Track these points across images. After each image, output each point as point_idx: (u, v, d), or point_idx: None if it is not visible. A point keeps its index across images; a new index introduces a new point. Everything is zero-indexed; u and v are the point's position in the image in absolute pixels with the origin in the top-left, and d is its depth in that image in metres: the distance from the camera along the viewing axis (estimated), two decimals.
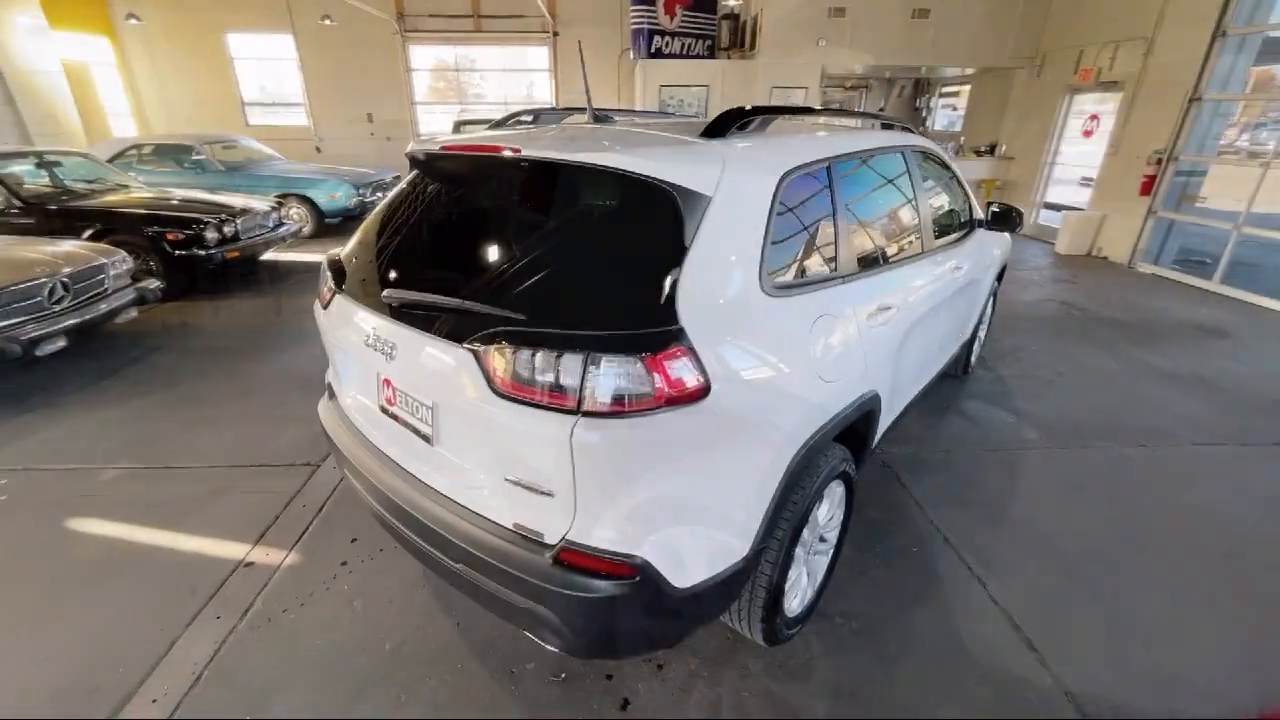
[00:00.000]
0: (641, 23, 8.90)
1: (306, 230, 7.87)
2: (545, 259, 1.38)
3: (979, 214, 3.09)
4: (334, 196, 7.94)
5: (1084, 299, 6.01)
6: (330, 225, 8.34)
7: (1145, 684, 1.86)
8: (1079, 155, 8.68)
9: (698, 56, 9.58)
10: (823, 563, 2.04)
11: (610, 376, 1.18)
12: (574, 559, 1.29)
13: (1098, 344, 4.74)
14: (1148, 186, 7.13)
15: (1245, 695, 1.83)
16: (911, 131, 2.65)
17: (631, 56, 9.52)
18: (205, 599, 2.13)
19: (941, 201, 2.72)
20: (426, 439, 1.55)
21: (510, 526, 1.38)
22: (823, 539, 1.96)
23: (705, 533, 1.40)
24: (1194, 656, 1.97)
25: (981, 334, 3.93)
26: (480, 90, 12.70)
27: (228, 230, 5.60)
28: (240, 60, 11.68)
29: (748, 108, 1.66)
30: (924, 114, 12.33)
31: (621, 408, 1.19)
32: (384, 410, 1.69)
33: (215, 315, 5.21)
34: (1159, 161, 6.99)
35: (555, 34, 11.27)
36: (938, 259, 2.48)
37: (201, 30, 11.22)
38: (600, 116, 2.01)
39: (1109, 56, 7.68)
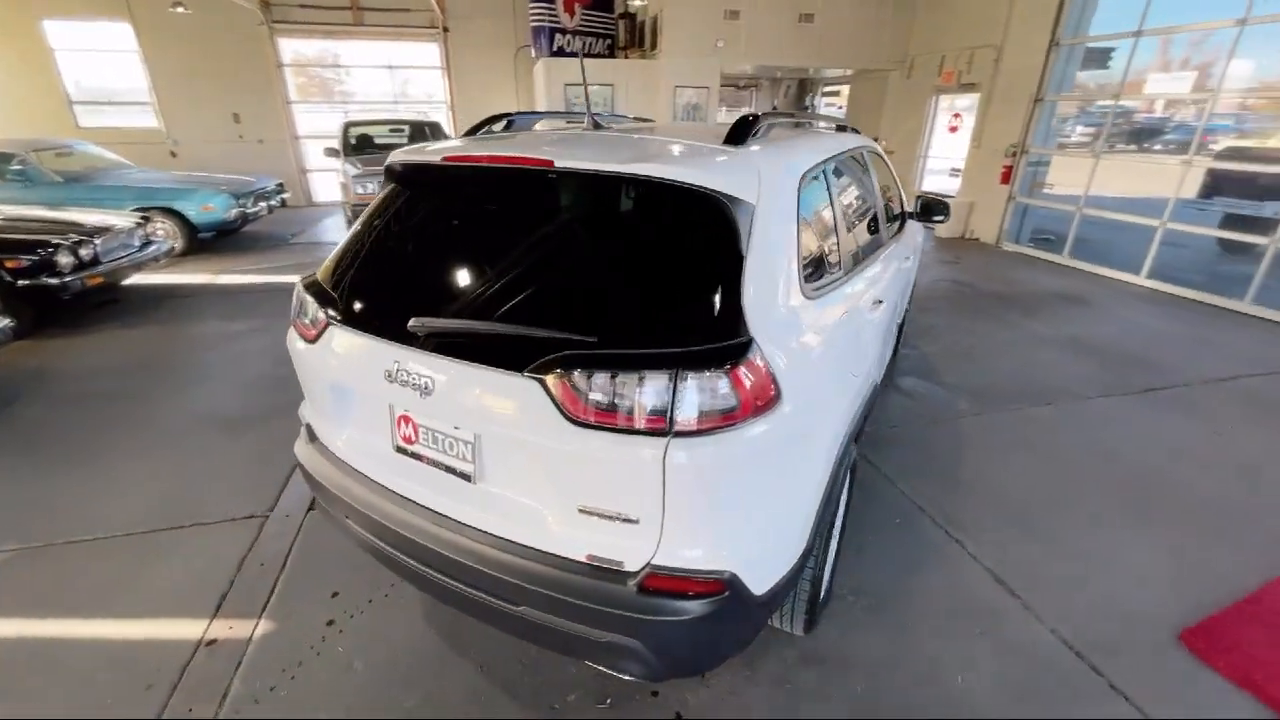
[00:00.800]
0: (542, 21, 8.72)
1: (178, 248, 6.89)
2: (600, 276, 1.32)
3: (908, 206, 3.37)
4: (209, 208, 7.02)
5: (969, 277, 6.76)
6: (204, 241, 7.39)
7: (1107, 611, 2.14)
8: (948, 148, 9.72)
9: (599, 55, 9.56)
10: (834, 546, 2.13)
11: (699, 393, 1.15)
12: (661, 584, 1.25)
13: (992, 317, 5.36)
14: (1006, 176, 8.16)
15: (1175, 611, 2.17)
16: (859, 132, 2.84)
17: (533, 54, 9.30)
18: (168, 691, 1.81)
19: (891, 196, 2.93)
20: (466, 476, 1.42)
21: (583, 559, 1.30)
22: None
23: (776, 536, 1.41)
24: (1134, 578, 2.30)
25: (906, 316, 4.31)
26: (349, 89, 11.73)
27: (84, 253, 4.79)
28: (65, 52, 9.93)
29: (757, 114, 1.68)
30: (811, 110, 13.20)
31: (712, 424, 1.17)
32: (401, 450, 1.53)
33: (82, 354, 4.42)
34: (1014, 154, 8.02)
35: (445, 29, 10.71)
36: (895, 250, 2.68)
37: (9, 14, 9.41)
38: (597, 123, 1.94)
39: (966, 61, 8.67)
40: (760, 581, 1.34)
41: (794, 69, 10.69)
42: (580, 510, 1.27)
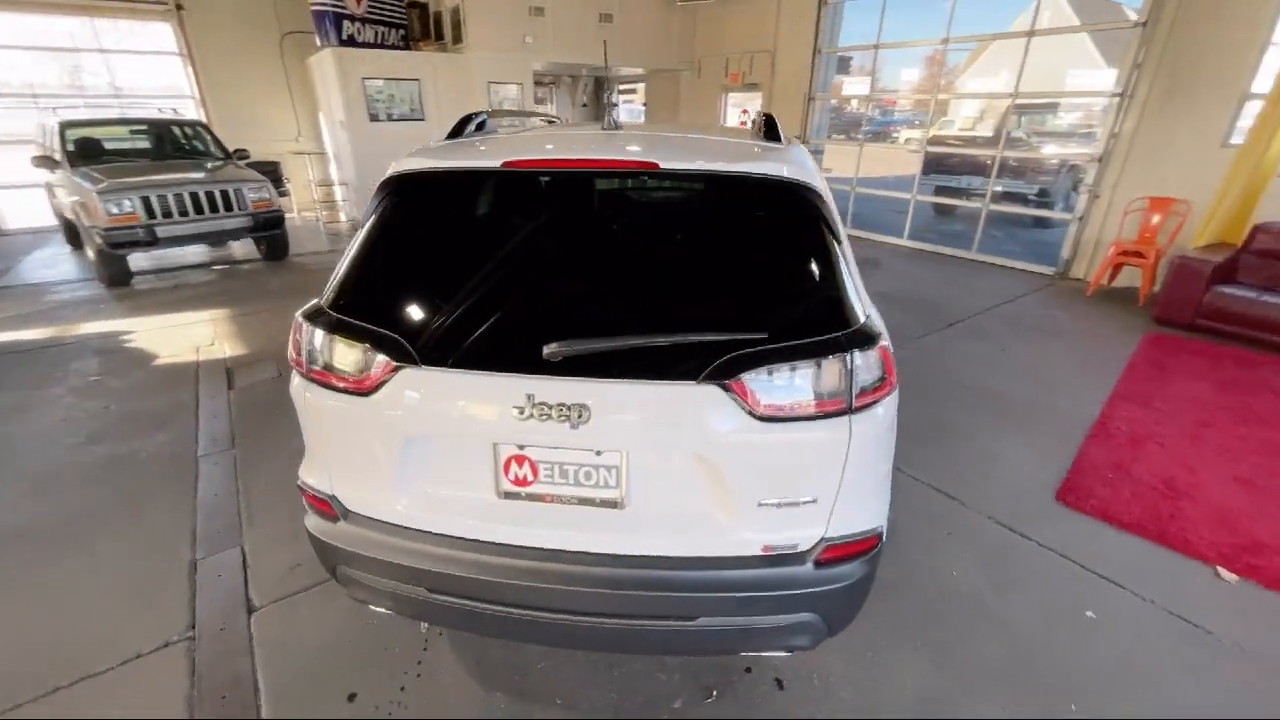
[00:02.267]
0: (325, 6, 7.63)
1: None
2: (734, 274, 1.33)
3: None
4: None
5: None
6: None
7: (1008, 492, 2.81)
8: None
9: (393, 47, 8.72)
10: None
11: (866, 372, 1.27)
12: (833, 554, 1.35)
13: None
14: None
15: (1043, 480, 2.93)
16: None
17: (317, 42, 8.09)
18: None
19: None
20: (611, 504, 1.33)
21: (759, 552, 1.33)
22: None
23: (887, 489, 1.59)
24: (1010, 465, 3.04)
25: None
26: (34, 78, 8.93)
27: None
28: None
29: (768, 115, 1.81)
30: (610, 108, 13.74)
31: (874, 397, 1.29)
32: (511, 495, 1.36)
33: None
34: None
35: (179, 7, 8.69)
36: None
37: None
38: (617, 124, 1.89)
39: (748, 64, 9.88)
40: (884, 529, 1.52)
41: (596, 66, 11.03)
42: (759, 505, 1.30)
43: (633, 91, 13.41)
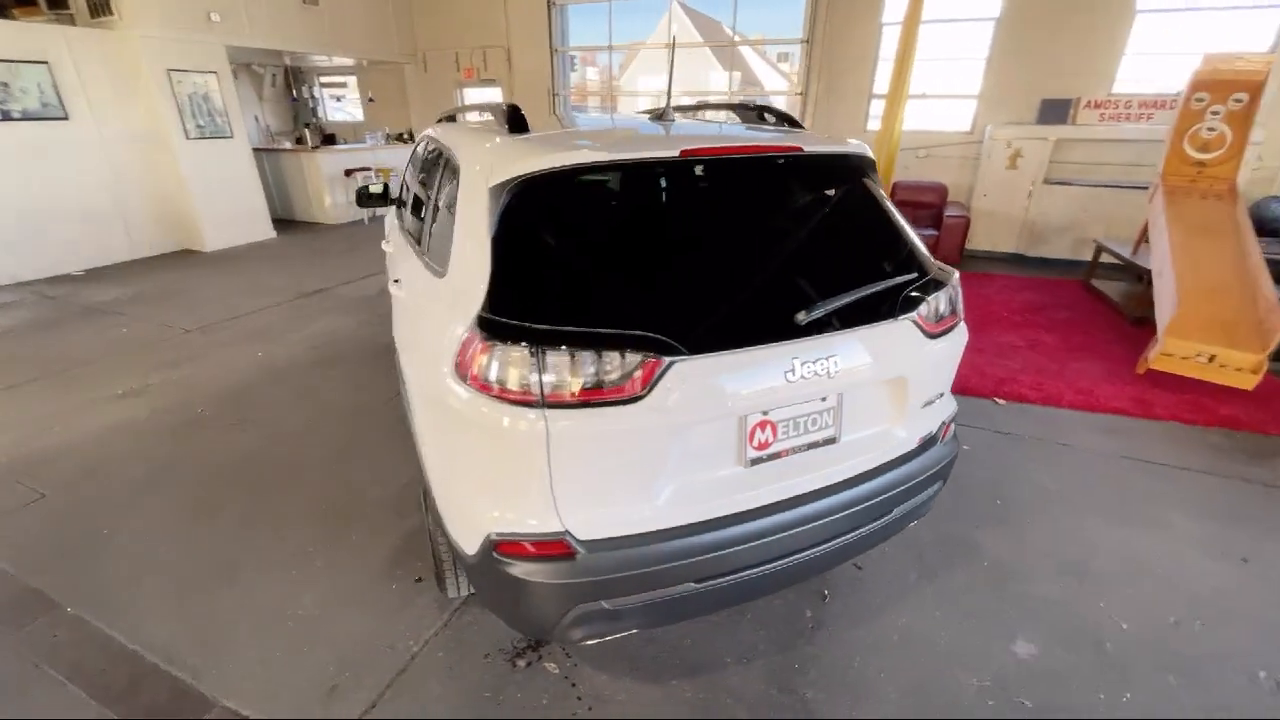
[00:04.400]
0: None
1: None
2: (869, 235, 1.64)
3: None
4: None
5: None
6: None
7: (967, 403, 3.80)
8: None
9: None
10: None
11: (956, 295, 1.74)
12: (947, 429, 1.83)
13: None
14: None
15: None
16: None
17: None
18: None
19: None
20: (831, 441, 1.54)
21: (916, 445, 1.72)
22: None
23: None
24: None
25: None
26: None
27: None
28: None
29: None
30: (311, 104, 11.86)
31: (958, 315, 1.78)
32: (756, 461, 1.46)
33: None
34: None
35: None
36: None
37: None
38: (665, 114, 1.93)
39: (481, 59, 9.75)
40: None
41: (303, 55, 9.41)
42: (922, 405, 1.68)
43: (340, 86, 11.82)
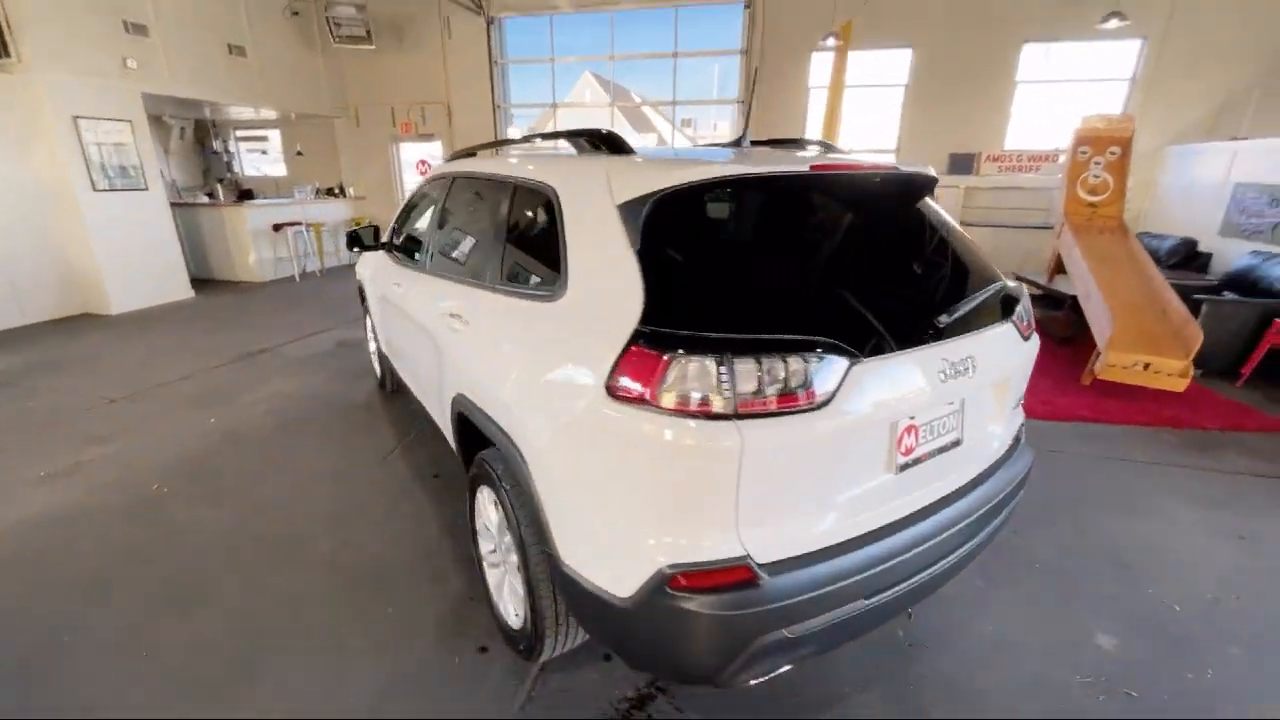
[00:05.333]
0: None
1: None
2: (951, 247, 1.74)
3: None
4: None
5: None
6: None
7: None
8: None
9: None
10: None
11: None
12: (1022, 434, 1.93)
13: None
14: None
15: None
16: None
17: None
18: None
19: None
20: (957, 443, 1.57)
21: (1010, 443, 1.80)
22: None
23: None
24: None
25: None
26: None
27: None
28: None
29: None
30: (226, 158, 11.15)
31: None
32: (903, 468, 1.45)
33: None
34: None
35: None
36: None
37: None
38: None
39: (419, 115, 9.69)
40: None
41: (226, 107, 8.88)
42: (1015, 406, 1.76)
43: (260, 139, 11.24)
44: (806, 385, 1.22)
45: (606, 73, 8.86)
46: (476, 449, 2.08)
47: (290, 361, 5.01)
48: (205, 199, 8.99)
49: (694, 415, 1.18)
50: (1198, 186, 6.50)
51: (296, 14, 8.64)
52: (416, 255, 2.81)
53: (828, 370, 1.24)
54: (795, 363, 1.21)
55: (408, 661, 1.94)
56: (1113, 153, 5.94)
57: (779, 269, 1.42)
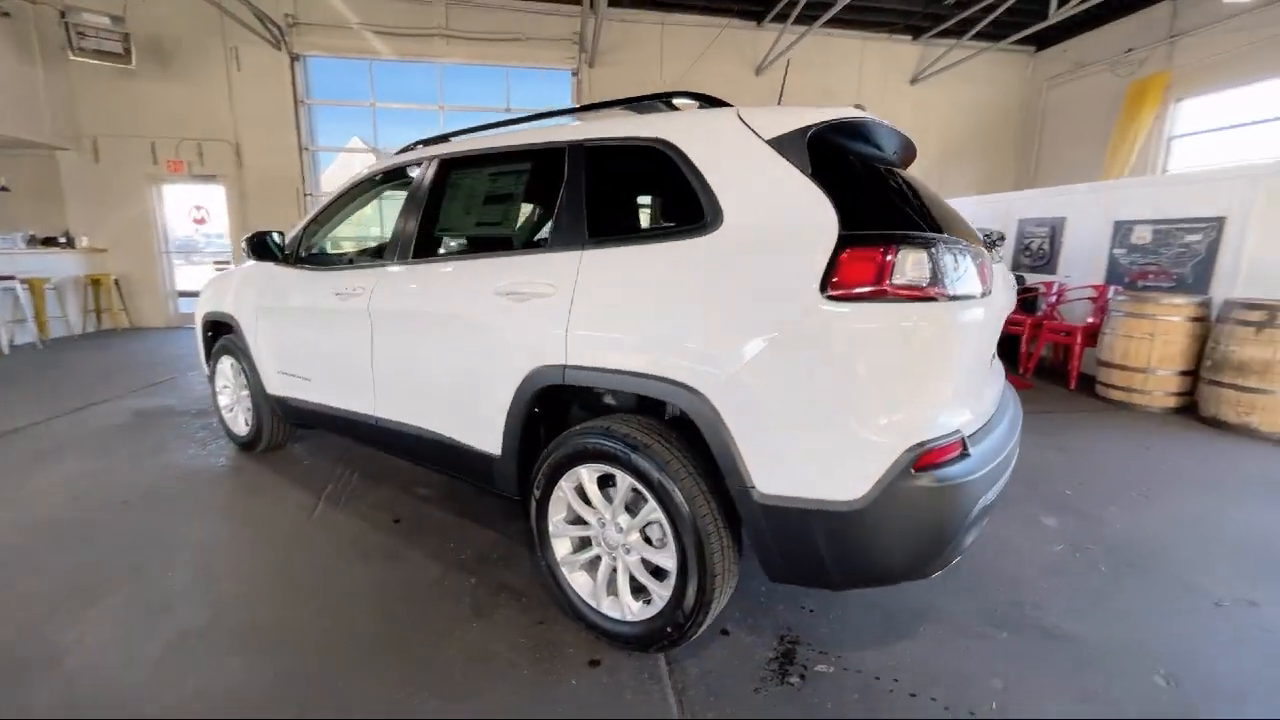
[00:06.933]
0: None
1: None
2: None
3: None
4: None
5: None
6: None
7: None
8: (205, 240, 8.80)
9: None
10: None
11: None
12: None
13: None
14: None
15: None
16: None
17: None
18: None
19: None
20: (993, 358, 1.95)
21: None
22: None
23: None
24: None
25: None
26: None
27: None
28: None
29: None
30: None
31: None
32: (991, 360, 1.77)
33: None
34: None
35: None
36: None
37: None
38: None
39: (196, 153, 8.12)
40: None
41: None
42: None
43: None
44: (978, 275, 1.45)
45: (436, 122, 8.60)
46: (555, 431, 1.90)
47: (71, 439, 3.63)
48: None
49: (923, 299, 1.31)
50: None
51: (7, 14, 6.70)
52: (390, 252, 2.37)
53: (990, 264, 1.50)
54: (977, 254, 1.45)
55: (516, 702, 1.58)
56: None
57: (903, 189, 1.64)
